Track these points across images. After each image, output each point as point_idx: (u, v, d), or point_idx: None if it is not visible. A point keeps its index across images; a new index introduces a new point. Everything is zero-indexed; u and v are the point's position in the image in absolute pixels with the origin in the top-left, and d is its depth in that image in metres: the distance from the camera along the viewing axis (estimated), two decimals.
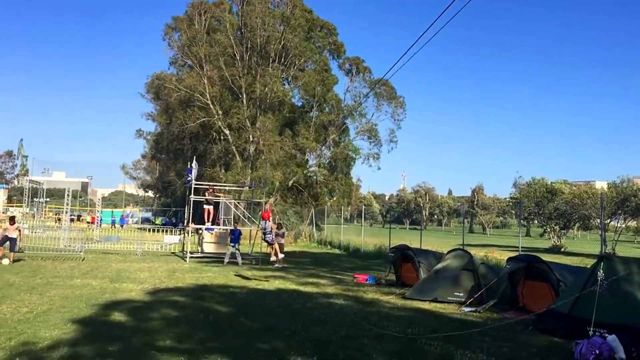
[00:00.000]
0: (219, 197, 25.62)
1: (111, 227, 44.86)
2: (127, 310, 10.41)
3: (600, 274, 9.05)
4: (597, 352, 7.60)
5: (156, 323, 9.30)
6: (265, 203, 25.57)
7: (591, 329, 8.49)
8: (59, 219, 51.90)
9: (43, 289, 12.72)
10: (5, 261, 17.95)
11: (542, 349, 8.52)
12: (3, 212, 53.42)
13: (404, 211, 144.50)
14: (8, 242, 18.74)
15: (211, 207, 24.30)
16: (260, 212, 27.53)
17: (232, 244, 21.56)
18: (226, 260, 21.07)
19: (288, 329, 9.13)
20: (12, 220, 19.88)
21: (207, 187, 25.51)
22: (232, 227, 22.61)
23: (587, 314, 8.70)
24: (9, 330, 8.35)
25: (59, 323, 8.94)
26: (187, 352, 7.36)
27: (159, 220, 60.64)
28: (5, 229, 19.43)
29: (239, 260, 21.04)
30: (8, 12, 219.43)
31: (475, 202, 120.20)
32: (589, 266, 11.21)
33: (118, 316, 9.78)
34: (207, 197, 24.24)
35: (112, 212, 67.81)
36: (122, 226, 48.51)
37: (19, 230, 19.89)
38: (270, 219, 21.80)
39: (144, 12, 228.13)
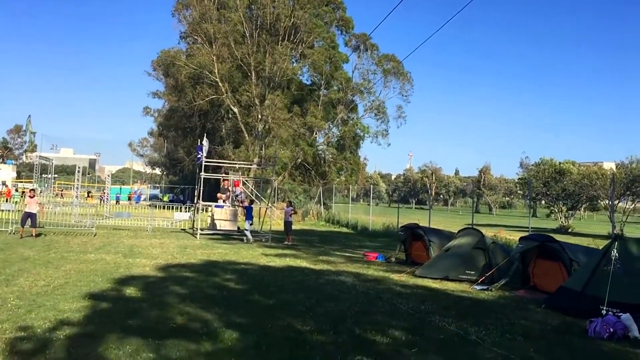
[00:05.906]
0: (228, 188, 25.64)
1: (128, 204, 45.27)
2: (142, 284, 10.53)
3: (614, 253, 9.07)
4: (611, 330, 7.67)
5: (172, 297, 9.41)
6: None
7: (604, 307, 8.53)
8: (62, 195, 52.51)
9: (58, 263, 12.90)
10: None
11: (555, 326, 8.58)
12: (15, 189, 53.78)
13: (410, 191, 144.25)
14: (29, 219, 18.61)
15: (224, 195, 24.66)
16: (269, 191, 27.74)
17: (247, 221, 21.65)
18: (250, 238, 21.19)
19: (302, 305, 9.22)
20: (31, 192, 19.72)
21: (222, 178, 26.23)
22: (247, 204, 22.70)
23: (600, 293, 8.74)
24: (28, 302, 8.48)
25: (77, 296, 9.07)
26: (205, 327, 7.47)
27: (166, 198, 60.95)
28: (26, 203, 19.27)
29: (249, 237, 21.12)
30: None
31: (482, 182, 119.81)
32: (601, 247, 11.24)
33: (134, 291, 9.89)
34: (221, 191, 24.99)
35: (120, 188, 68.25)
36: (117, 202, 47.55)
37: (40, 204, 19.81)
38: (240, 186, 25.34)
39: None
